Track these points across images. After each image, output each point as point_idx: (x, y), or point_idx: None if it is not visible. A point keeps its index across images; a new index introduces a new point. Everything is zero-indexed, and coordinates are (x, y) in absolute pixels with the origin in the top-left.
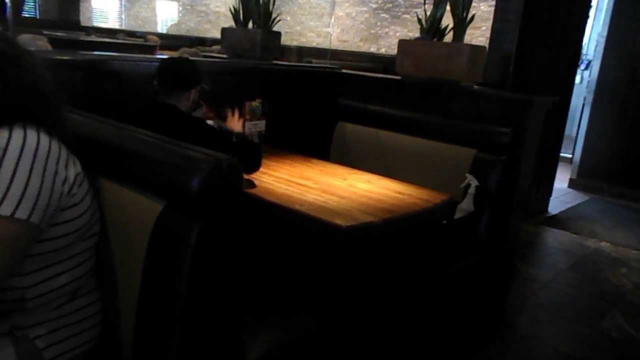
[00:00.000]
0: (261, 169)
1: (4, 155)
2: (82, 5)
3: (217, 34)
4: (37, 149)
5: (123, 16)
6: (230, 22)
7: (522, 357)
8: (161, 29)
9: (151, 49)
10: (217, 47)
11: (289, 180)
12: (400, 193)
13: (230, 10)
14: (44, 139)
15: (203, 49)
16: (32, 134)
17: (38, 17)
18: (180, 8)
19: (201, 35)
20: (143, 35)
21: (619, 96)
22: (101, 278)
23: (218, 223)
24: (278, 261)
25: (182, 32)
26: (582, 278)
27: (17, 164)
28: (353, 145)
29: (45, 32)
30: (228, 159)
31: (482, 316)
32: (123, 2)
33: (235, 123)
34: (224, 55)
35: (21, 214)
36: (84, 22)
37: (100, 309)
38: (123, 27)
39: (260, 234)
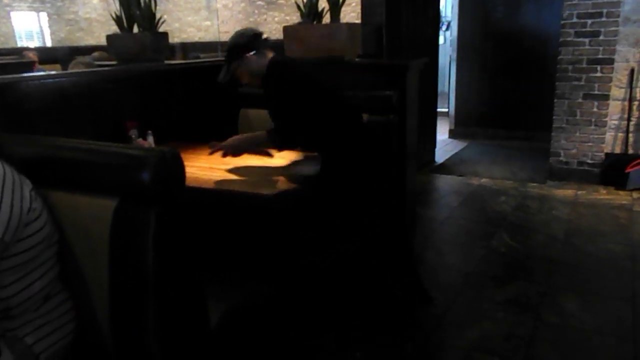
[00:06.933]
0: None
1: None
2: None
3: (92, 42)
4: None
5: None
6: (104, 28)
7: (434, 282)
8: (27, 42)
9: (30, 66)
10: (96, 54)
11: (211, 168)
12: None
13: (112, 16)
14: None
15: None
16: None
17: None
18: (47, 18)
19: (75, 44)
20: (11, 51)
21: (477, 49)
22: (69, 279)
23: (170, 207)
24: (223, 237)
25: (54, 44)
26: (472, 210)
27: None
28: (257, 129)
29: None
30: (170, 150)
31: (397, 256)
32: None
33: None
34: (113, 62)
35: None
36: None
37: (71, 307)
38: None
39: (202, 217)
